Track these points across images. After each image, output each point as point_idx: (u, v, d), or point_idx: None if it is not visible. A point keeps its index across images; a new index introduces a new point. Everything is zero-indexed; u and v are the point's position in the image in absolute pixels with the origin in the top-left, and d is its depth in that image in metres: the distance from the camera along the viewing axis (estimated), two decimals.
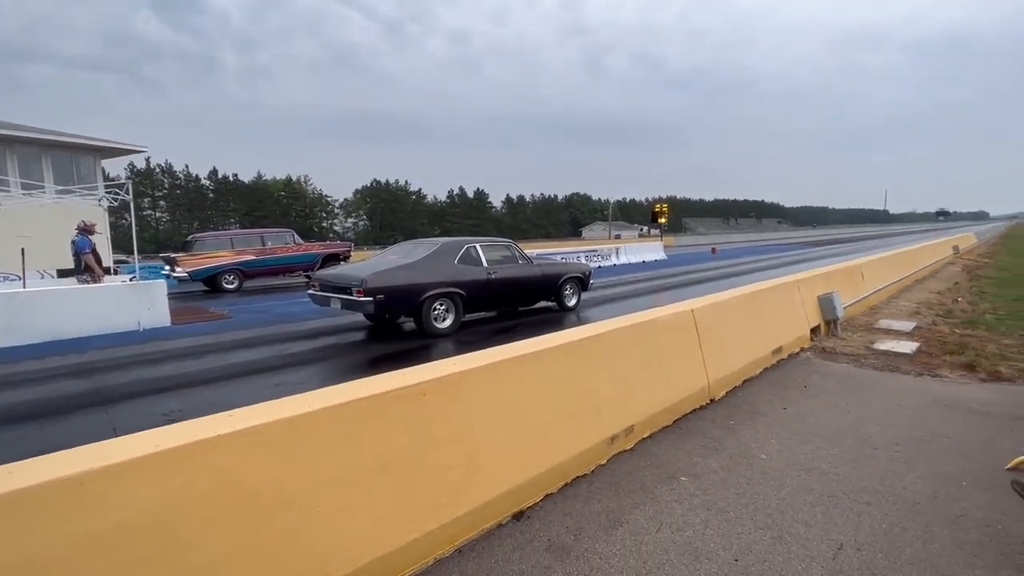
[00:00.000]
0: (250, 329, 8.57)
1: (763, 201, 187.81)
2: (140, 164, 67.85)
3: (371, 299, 6.66)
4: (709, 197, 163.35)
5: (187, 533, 1.59)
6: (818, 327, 6.33)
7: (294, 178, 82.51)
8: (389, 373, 2.38)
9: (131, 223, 9.46)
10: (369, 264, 8.20)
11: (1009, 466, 2.99)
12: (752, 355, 4.88)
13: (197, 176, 74.92)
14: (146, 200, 69.07)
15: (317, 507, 1.87)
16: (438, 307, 7.32)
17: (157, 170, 71.28)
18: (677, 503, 2.69)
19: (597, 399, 3.15)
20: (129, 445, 1.61)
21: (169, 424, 1.82)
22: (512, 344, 2.94)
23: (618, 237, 61.94)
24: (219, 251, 15.01)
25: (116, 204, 10.98)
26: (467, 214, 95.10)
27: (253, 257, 15.43)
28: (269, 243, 15.93)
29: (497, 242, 8.85)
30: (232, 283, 15.04)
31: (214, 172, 75.88)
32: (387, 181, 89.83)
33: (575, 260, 17.87)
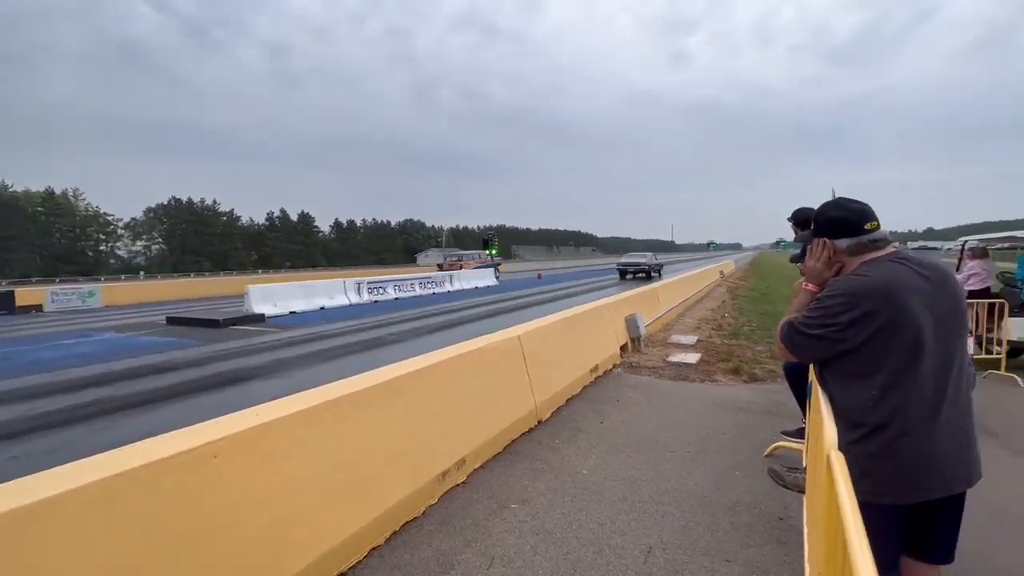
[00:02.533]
0: None
1: (580, 231, 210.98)
2: None
3: (655, 270, 27.00)
4: (535, 226, 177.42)
5: None
6: (626, 344, 7.14)
7: (58, 191, 66.96)
8: (168, 434, 1.95)
9: None
10: (636, 259, 28.39)
11: (765, 454, 3.65)
12: (573, 374, 5.25)
13: None
14: None
15: None
16: (655, 273, 26.62)
17: None
18: (508, 533, 2.69)
19: (427, 435, 3.03)
20: None
21: None
22: (329, 385, 2.67)
23: None
24: (472, 260, 31.76)
25: None
26: (290, 238, 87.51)
27: (478, 265, 30.61)
28: (480, 256, 33.27)
29: (648, 253, 33.17)
30: None
31: None
32: (190, 200, 78.22)
33: (410, 287, 20.42)
